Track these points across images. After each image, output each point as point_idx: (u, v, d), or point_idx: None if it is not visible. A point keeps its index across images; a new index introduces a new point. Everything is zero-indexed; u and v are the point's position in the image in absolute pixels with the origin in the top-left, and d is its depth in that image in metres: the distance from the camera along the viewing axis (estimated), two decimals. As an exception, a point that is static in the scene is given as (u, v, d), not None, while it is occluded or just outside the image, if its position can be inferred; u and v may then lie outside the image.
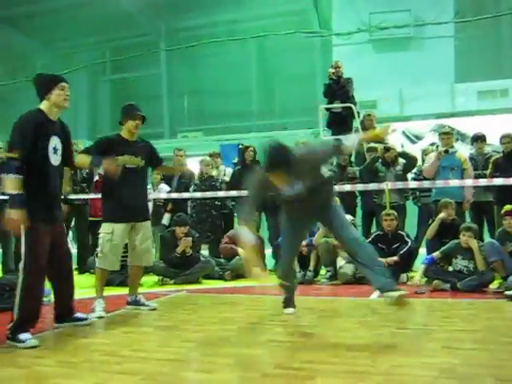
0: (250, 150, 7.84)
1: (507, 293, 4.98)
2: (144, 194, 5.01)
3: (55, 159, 3.85)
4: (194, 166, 8.80)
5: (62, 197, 4.27)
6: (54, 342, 3.78)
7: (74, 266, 8.04)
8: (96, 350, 3.48)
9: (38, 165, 3.69)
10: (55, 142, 3.85)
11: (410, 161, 7.23)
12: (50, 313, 4.24)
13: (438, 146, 7.61)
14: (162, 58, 16.13)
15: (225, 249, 7.28)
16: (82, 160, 4.54)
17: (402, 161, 7.27)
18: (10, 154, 3.62)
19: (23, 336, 3.60)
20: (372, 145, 7.77)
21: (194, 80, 15.77)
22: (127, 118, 4.77)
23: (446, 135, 7.13)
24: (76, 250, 8.30)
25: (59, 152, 3.90)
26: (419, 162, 7.53)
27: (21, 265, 3.67)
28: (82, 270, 7.97)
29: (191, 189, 8.03)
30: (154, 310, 4.88)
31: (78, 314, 4.23)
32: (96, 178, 8.56)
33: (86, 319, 4.24)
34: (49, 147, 3.78)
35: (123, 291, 6.03)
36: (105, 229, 4.78)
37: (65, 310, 4.18)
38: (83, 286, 6.63)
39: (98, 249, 4.88)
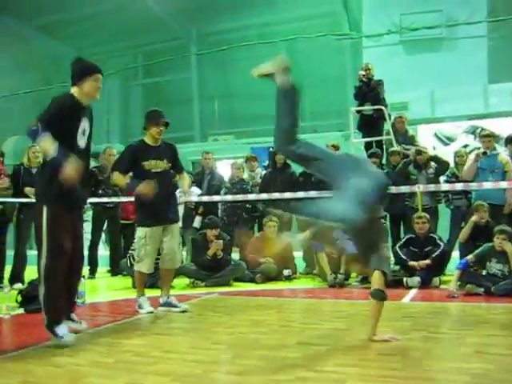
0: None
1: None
2: (172, 196, 5.10)
3: (83, 141, 3.88)
4: (225, 168, 8.86)
5: None
6: (87, 342, 3.84)
7: (107, 268, 8.25)
8: (128, 350, 3.54)
9: (65, 146, 3.63)
10: (84, 124, 3.89)
11: (442, 165, 7.17)
12: (85, 314, 4.33)
13: (476, 148, 7.50)
14: (193, 62, 16.27)
15: (251, 261, 7.21)
16: (119, 182, 4.97)
17: (433, 164, 7.20)
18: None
19: (60, 330, 3.66)
20: (394, 148, 7.70)
21: (224, 83, 15.88)
22: (151, 124, 4.88)
23: (487, 138, 7.04)
24: (108, 253, 8.45)
25: (87, 134, 3.93)
26: (451, 165, 7.44)
27: (43, 249, 3.66)
28: (114, 273, 8.08)
29: (222, 192, 8.08)
30: (185, 311, 4.93)
31: (72, 315, 4.06)
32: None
33: (76, 322, 4.03)
34: (78, 130, 3.82)
35: (154, 293, 6.11)
36: (139, 233, 4.91)
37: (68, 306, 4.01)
38: (116, 288, 6.76)
39: (135, 253, 5.03)
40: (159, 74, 16.79)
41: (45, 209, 3.69)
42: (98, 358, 3.38)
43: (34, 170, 6.93)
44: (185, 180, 5.29)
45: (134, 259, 6.69)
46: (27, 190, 6.98)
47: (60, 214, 3.71)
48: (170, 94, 16.24)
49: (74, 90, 3.87)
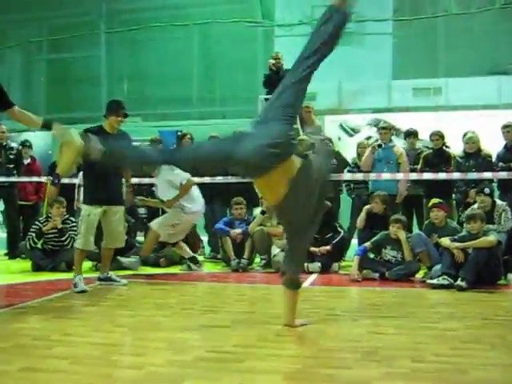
0: (187, 137, 7.78)
1: (429, 281, 5.26)
2: (118, 179, 5.46)
3: None
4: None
5: None
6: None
7: (5, 250, 7.89)
8: (26, 334, 3.44)
9: None
10: None
11: (341, 162, 7.42)
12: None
13: (377, 140, 7.83)
14: (102, 39, 15.74)
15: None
16: None
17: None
18: None
19: None
20: (302, 137, 7.91)
21: (134, 64, 15.49)
22: (112, 113, 5.23)
23: (384, 130, 7.37)
24: (6, 235, 8.08)
25: None
26: (354, 155, 7.75)
27: None
28: (12, 255, 7.74)
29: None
30: (125, 285, 5.31)
31: None
32: (28, 161, 8.34)
33: None
34: None
35: (55, 277, 5.95)
36: (82, 211, 5.23)
37: None
38: (14, 271, 6.50)
39: (78, 230, 5.33)
40: (66, 49, 16.09)
41: None
42: (-7, 342, 3.26)
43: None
44: None
45: (33, 242, 6.53)
46: None
47: None
48: (77, 72, 15.63)
49: None
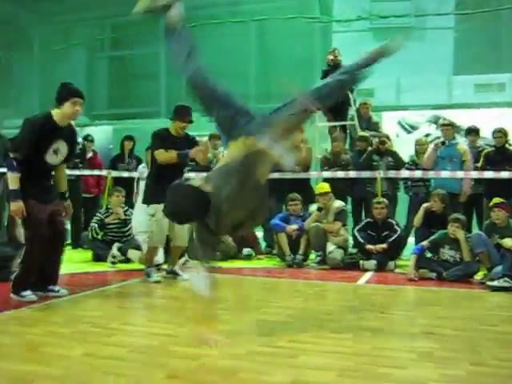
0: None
1: (489, 283, 5.10)
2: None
3: (53, 159, 4.30)
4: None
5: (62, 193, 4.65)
6: (45, 314, 3.86)
7: (68, 241, 8.16)
8: (86, 322, 3.57)
9: (34, 162, 4.19)
10: (58, 145, 4.28)
11: (398, 162, 7.30)
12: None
13: (438, 137, 7.68)
14: (161, 36, 16.03)
15: None
16: (167, 156, 5.17)
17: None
18: (14, 154, 4.17)
19: (24, 293, 4.21)
20: (362, 134, 7.84)
21: (192, 60, 15.71)
22: (177, 118, 5.32)
23: (447, 127, 7.20)
24: (70, 226, 8.36)
25: (61, 154, 4.33)
26: (412, 152, 7.61)
27: (26, 237, 4.29)
28: (75, 246, 8.03)
29: (186, 170, 8.03)
30: (186, 280, 5.23)
31: (53, 287, 4.46)
32: (90, 154, 8.60)
33: (57, 291, 4.45)
34: (49, 149, 4.23)
35: (115, 267, 6.14)
36: (149, 211, 5.28)
37: (43, 280, 4.43)
38: (76, 261, 6.74)
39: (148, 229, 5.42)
40: (126, 47, 16.48)
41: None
42: (55, 328, 3.41)
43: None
44: None
45: (95, 233, 6.76)
46: None
47: (35, 211, 4.19)
48: (137, 68, 15.97)
49: (55, 111, 4.25)
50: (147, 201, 5.34)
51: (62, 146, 4.33)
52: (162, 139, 5.31)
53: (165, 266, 5.72)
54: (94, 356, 2.82)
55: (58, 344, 3.05)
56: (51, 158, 4.28)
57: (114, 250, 6.39)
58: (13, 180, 4.18)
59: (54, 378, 2.50)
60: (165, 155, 5.17)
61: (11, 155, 4.21)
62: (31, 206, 4.17)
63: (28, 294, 4.22)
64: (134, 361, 2.78)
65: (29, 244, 4.24)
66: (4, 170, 7.30)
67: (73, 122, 4.48)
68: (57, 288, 4.48)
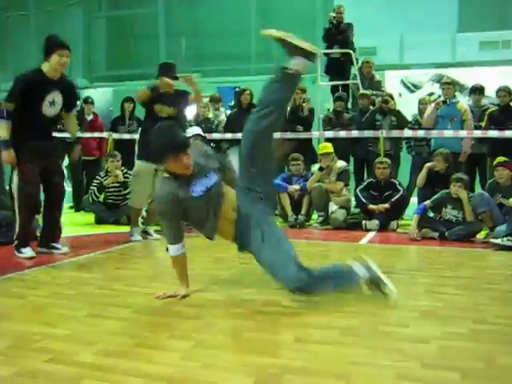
0: (246, 93, 7.76)
1: (492, 240, 5.09)
2: None
3: (49, 111, 4.49)
4: (190, 107, 8.72)
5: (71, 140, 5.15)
6: (50, 276, 3.88)
7: (70, 203, 8.18)
8: (90, 283, 3.60)
9: (30, 114, 4.38)
10: (53, 96, 4.47)
11: (402, 122, 7.22)
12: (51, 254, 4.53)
13: (439, 96, 7.56)
14: (160, -4, 15.72)
15: None
16: (141, 93, 5.29)
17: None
18: (5, 105, 4.34)
19: (24, 249, 4.46)
20: (364, 91, 7.74)
21: (191, 20, 15.44)
22: (162, 75, 5.26)
23: (447, 85, 7.09)
24: (71, 189, 8.36)
25: (58, 104, 4.53)
26: (415, 111, 7.53)
27: (15, 196, 4.48)
28: (77, 208, 8.04)
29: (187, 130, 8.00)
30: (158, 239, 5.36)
31: (55, 244, 4.69)
32: (90, 117, 8.53)
33: (60, 249, 4.68)
34: (44, 101, 4.41)
35: (117, 229, 6.15)
36: (134, 168, 5.41)
37: (46, 238, 4.69)
38: (79, 224, 6.75)
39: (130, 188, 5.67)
40: (124, 6, 16.19)
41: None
42: (60, 290, 3.43)
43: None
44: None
45: (95, 195, 6.76)
46: None
47: (27, 169, 4.41)
48: (135, 29, 15.72)
49: (44, 64, 4.43)
50: (137, 157, 5.44)
51: (58, 98, 4.50)
52: (152, 91, 5.31)
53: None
54: (99, 317, 2.85)
55: (63, 305, 3.07)
56: (47, 110, 4.46)
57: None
58: (3, 128, 4.33)
59: (59, 337, 2.51)
60: (140, 92, 5.25)
61: (3, 106, 4.39)
62: (24, 156, 4.36)
63: (27, 251, 4.45)
64: (138, 321, 2.80)
65: (21, 196, 4.42)
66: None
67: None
68: (59, 245, 4.70)
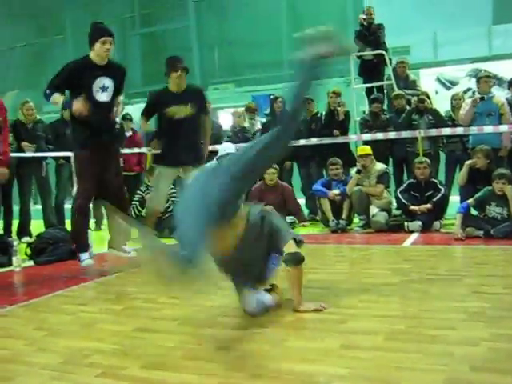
0: (278, 100, 7.80)
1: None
2: (195, 141, 5.35)
3: (104, 96, 4.61)
4: (226, 117, 8.82)
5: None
6: (96, 291, 3.97)
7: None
8: (136, 298, 3.67)
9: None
10: (103, 81, 4.60)
11: (438, 120, 7.10)
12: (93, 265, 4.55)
13: (474, 92, 7.41)
14: (191, 9, 15.94)
15: None
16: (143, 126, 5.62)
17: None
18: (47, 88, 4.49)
19: (83, 256, 4.72)
20: (398, 92, 7.66)
21: (223, 31, 15.59)
22: (170, 70, 5.18)
23: (485, 80, 6.93)
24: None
25: (110, 90, 4.64)
26: (448, 108, 7.40)
27: (74, 190, 4.70)
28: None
29: (224, 140, 8.07)
30: None
31: (124, 247, 4.96)
32: (129, 133, 8.70)
33: (129, 252, 4.93)
34: (93, 87, 4.53)
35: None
36: (155, 171, 5.43)
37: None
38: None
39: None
40: (157, 22, 16.47)
41: (74, 156, 4.67)
42: (108, 305, 3.51)
43: (30, 126, 7.42)
44: (206, 123, 5.55)
45: (138, 210, 6.87)
46: (24, 144, 7.12)
47: (85, 159, 4.56)
48: (168, 43, 15.97)
49: (91, 53, 4.61)
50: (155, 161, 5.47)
51: (108, 82, 4.63)
52: (155, 98, 5.41)
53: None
54: (146, 330, 2.90)
55: (111, 320, 3.14)
56: (99, 96, 4.57)
57: None
58: (55, 99, 4.47)
59: (108, 352, 2.57)
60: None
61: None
62: (81, 158, 4.58)
63: (85, 258, 4.72)
64: (185, 333, 2.84)
65: (79, 199, 4.65)
66: (49, 154, 7.54)
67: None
68: (128, 249, 4.94)
